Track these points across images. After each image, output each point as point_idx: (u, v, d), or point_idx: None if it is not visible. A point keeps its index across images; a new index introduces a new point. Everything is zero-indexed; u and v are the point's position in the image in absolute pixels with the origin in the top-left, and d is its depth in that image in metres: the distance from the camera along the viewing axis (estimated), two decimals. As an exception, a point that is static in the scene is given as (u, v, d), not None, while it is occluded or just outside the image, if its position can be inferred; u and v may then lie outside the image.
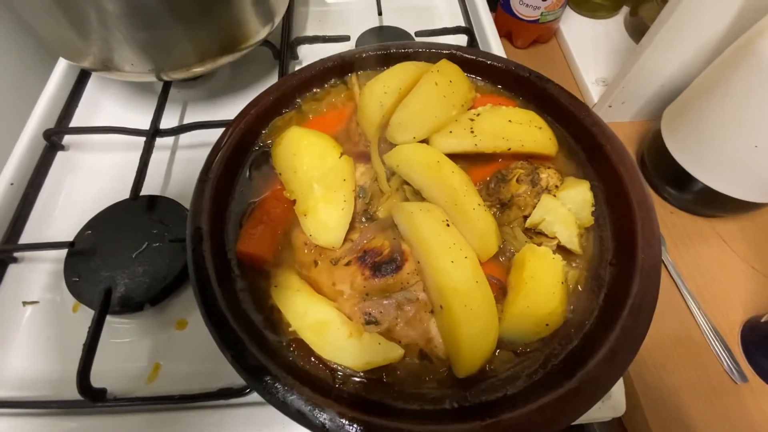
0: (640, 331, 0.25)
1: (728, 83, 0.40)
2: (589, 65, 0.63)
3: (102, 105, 0.50)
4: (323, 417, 0.22)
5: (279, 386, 0.23)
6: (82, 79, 0.51)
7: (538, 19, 0.61)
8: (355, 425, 0.22)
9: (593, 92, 0.60)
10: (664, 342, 0.44)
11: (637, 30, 0.64)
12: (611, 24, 0.68)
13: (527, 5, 0.59)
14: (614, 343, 0.24)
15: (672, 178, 0.50)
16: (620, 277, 0.28)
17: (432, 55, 0.38)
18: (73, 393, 0.31)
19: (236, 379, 0.33)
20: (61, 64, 0.50)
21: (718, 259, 0.49)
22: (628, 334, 0.25)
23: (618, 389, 0.33)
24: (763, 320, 0.43)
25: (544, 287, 0.26)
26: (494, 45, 0.53)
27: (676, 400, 0.41)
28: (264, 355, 0.24)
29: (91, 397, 0.32)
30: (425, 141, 0.33)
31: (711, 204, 0.49)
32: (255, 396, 0.33)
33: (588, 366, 0.24)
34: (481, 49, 0.54)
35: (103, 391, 0.33)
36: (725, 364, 0.42)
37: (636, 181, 0.30)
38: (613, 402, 0.33)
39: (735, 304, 0.46)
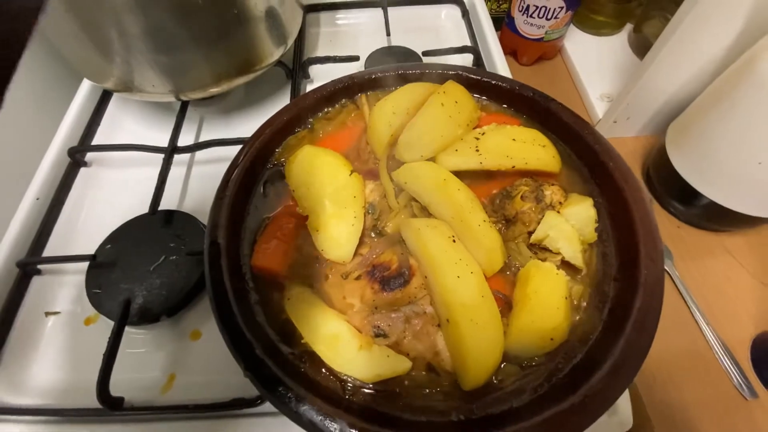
0: (644, 345, 0.25)
1: (730, 101, 0.41)
2: (594, 81, 0.64)
3: (122, 123, 0.52)
4: (334, 427, 0.23)
5: (291, 397, 0.24)
6: (104, 99, 0.53)
7: (543, 38, 0.62)
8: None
9: (598, 108, 0.61)
10: (673, 357, 0.44)
11: (641, 47, 0.65)
12: (615, 41, 0.69)
13: (531, 24, 0.61)
14: (618, 357, 0.25)
15: (678, 193, 0.50)
16: (624, 292, 0.28)
17: (439, 76, 0.39)
18: (91, 401, 0.32)
19: (248, 390, 0.34)
20: (85, 85, 0.53)
21: (726, 274, 0.49)
22: (632, 349, 0.25)
23: (624, 404, 0.33)
24: (772, 336, 0.43)
25: (548, 302, 0.27)
26: (499, 63, 0.54)
27: (685, 416, 0.41)
28: (277, 367, 0.25)
29: (110, 406, 0.33)
30: (432, 159, 0.34)
31: (717, 219, 0.49)
32: (267, 406, 0.34)
33: (592, 380, 0.24)
34: (486, 67, 0.55)
35: (120, 400, 0.34)
36: (735, 379, 0.42)
37: (638, 198, 0.31)
38: (620, 417, 0.33)
39: (744, 319, 0.46)
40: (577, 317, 0.29)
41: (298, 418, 0.23)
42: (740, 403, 0.41)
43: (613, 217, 0.32)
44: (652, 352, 0.45)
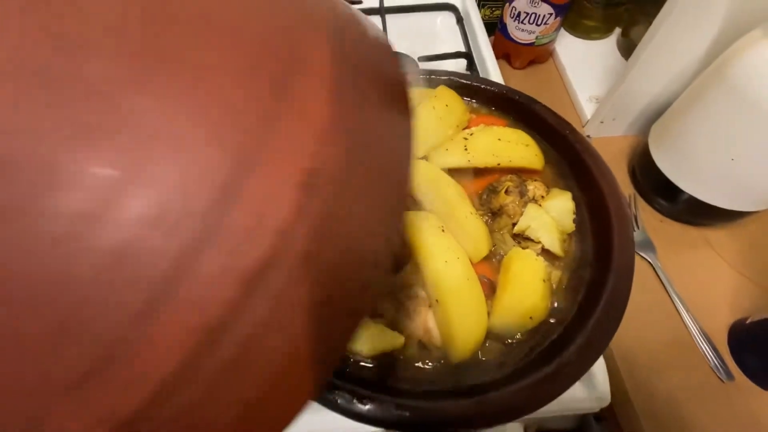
0: (613, 323, 0.28)
1: (705, 103, 0.44)
2: (584, 84, 0.67)
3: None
4: (336, 394, 0.26)
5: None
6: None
7: (534, 42, 0.65)
8: (364, 400, 0.25)
9: (587, 109, 0.64)
10: (654, 344, 0.47)
11: (629, 50, 0.67)
12: (604, 45, 0.72)
13: (523, 30, 0.64)
14: (590, 333, 0.28)
15: (661, 189, 0.53)
16: (598, 276, 0.31)
17: (432, 81, 0.42)
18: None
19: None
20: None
21: (706, 266, 0.51)
22: (603, 326, 0.28)
23: (603, 381, 0.36)
24: (748, 321, 0.45)
25: (528, 284, 0.30)
26: (491, 68, 0.58)
27: (665, 397, 0.44)
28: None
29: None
30: (425, 158, 0.37)
31: (698, 213, 0.52)
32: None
33: (565, 353, 0.27)
34: (479, 71, 0.58)
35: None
36: (712, 363, 0.45)
37: (614, 192, 0.34)
38: (599, 393, 0.36)
39: (723, 307, 0.48)
40: (556, 299, 0.32)
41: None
42: (717, 385, 0.44)
43: (591, 209, 0.35)
44: (634, 338, 0.48)
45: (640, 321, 0.48)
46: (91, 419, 0.10)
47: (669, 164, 0.50)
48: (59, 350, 0.10)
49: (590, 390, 0.36)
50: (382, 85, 0.15)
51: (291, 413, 0.12)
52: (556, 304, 0.32)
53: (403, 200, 0.15)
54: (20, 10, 0.10)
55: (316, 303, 0.11)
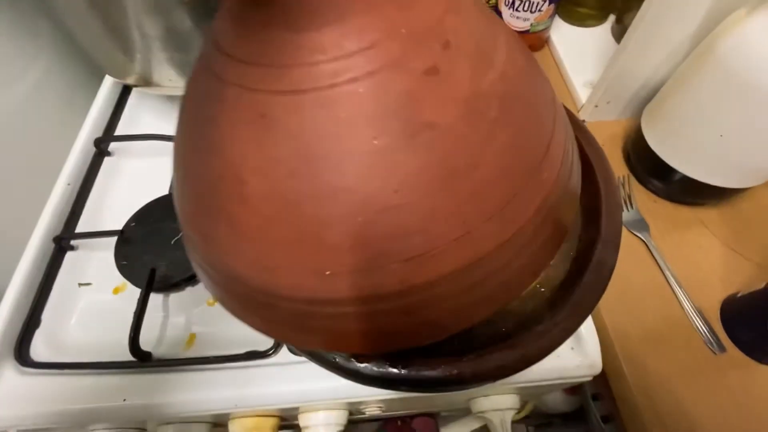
0: (601, 285, 0.29)
1: (693, 82, 0.45)
2: (579, 70, 0.68)
3: (142, 116, 0.57)
4: (334, 353, 0.27)
5: (298, 330, 0.28)
6: (124, 93, 0.58)
7: (529, 30, 0.66)
8: (360, 358, 0.27)
9: (582, 95, 0.65)
10: (648, 322, 0.48)
11: (622, 36, 0.68)
12: (599, 32, 0.73)
13: (518, 17, 0.65)
14: (578, 295, 0.29)
15: (654, 169, 0.54)
16: (587, 243, 0.32)
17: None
18: (123, 356, 0.37)
19: (260, 345, 0.38)
20: (108, 82, 0.58)
21: (699, 243, 0.52)
22: (590, 289, 0.29)
23: (594, 352, 0.37)
24: (739, 295, 0.46)
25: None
26: (487, 54, 0.59)
27: (659, 372, 0.45)
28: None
29: (141, 358, 0.37)
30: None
31: (690, 192, 0.53)
32: (276, 358, 0.38)
33: (555, 314, 0.28)
34: (474, 58, 0.59)
35: (149, 354, 0.38)
36: (705, 337, 0.46)
37: (601, 162, 0.35)
38: (591, 362, 0.37)
39: (715, 283, 0.49)
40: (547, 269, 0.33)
41: (302, 348, 0.28)
42: (710, 358, 0.45)
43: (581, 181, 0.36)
44: (629, 316, 0.49)
45: (634, 299, 0.49)
46: None
47: (661, 144, 0.51)
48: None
49: (582, 358, 0.37)
50: None
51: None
52: (547, 272, 0.33)
53: None
54: None
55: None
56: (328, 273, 0.17)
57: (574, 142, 0.27)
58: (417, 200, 0.16)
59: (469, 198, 0.17)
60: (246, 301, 0.21)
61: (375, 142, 0.16)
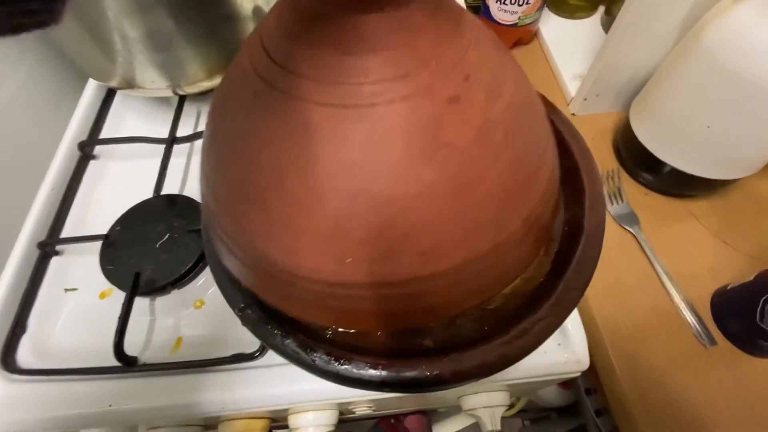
0: (583, 281, 0.29)
1: (680, 73, 0.44)
2: (568, 63, 0.67)
3: (126, 118, 0.56)
4: (314, 356, 0.27)
5: (278, 332, 0.28)
6: (108, 96, 0.57)
7: (517, 23, 0.65)
8: (341, 360, 0.26)
9: (571, 87, 0.64)
10: (639, 315, 0.48)
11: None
12: (589, 24, 0.72)
13: (505, 11, 0.64)
14: (560, 292, 0.29)
15: (643, 162, 0.54)
16: (570, 238, 0.32)
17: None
18: (110, 361, 0.37)
19: (246, 348, 0.38)
20: (91, 85, 0.57)
21: (689, 236, 0.52)
22: (572, 285, 0.29)
23: (581, 347, 0.37)
24: (729, 287, 0.46)
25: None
26: (474, 49, 0.58)
27: (649, 365, 0.45)
28: (264, 313, 0.29)
29: (126, 363, 0.37)
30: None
31: (680, 184, 0.52)
32: (262, 360, 0.38)
33: (537, 311, 0.28)
34: (462, 53, 0.59)
35: (135, 358, 0.38)
36: (695, 330, 0.46)
37: (585, 157, 0.35)
38: (578, 358, 0.37)
39: (706, 276, 0.49)
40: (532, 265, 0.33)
41: (283, 351, 0.27)
42: (700, 351, 0.45)
43: (565, 176, 0.36)
44: (619, 310, 0.49)
45: (624, 293, 0.49)
46: None
47: (649, 137, 0.51)
48: None
49: (569, 354, 0.36)
50: None
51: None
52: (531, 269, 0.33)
53: None
54: None
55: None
56: (348, 260, 0.20)
57: (557, 160, 0.30)
58: (431, 206, 0.20)
59: (471, 207, 0.20)
60: (267, 278, 0.25)
61: (402, 154, 0.19)
